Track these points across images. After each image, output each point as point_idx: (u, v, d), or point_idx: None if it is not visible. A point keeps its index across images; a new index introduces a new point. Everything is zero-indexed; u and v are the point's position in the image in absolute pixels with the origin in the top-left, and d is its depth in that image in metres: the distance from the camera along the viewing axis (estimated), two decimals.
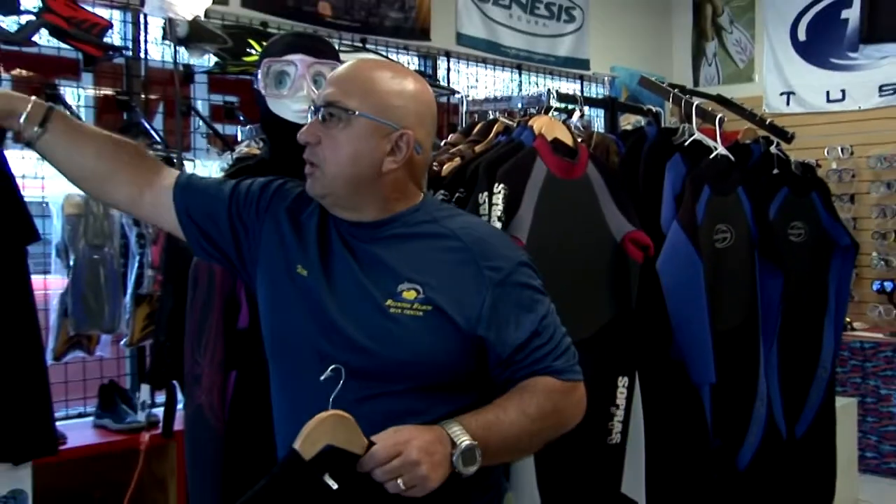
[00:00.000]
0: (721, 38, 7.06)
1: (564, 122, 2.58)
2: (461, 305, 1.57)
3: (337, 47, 2.14)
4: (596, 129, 2.96)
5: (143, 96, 3.98)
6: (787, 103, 6.58)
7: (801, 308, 3.07)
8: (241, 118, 4.14)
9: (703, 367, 2.56)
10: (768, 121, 3.42)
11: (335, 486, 1.37)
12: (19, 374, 1.67)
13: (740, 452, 2.84)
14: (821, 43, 6.47)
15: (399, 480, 1.39)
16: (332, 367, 1.48)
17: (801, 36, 6.58)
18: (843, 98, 6.38)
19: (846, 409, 4.83)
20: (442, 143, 2.88)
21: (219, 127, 4.23)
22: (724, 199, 2.73)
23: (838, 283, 3.27)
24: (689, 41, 7.19)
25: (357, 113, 1.58)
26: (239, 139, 3.83)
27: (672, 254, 2.52)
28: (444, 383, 1.57)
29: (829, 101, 6.43)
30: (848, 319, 5.23)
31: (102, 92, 3.92)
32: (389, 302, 1.56)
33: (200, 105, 4.23)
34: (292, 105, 1.94)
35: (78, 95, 3.89)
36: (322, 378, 1.48)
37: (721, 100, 3.53)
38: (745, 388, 2.81)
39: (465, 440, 1.46)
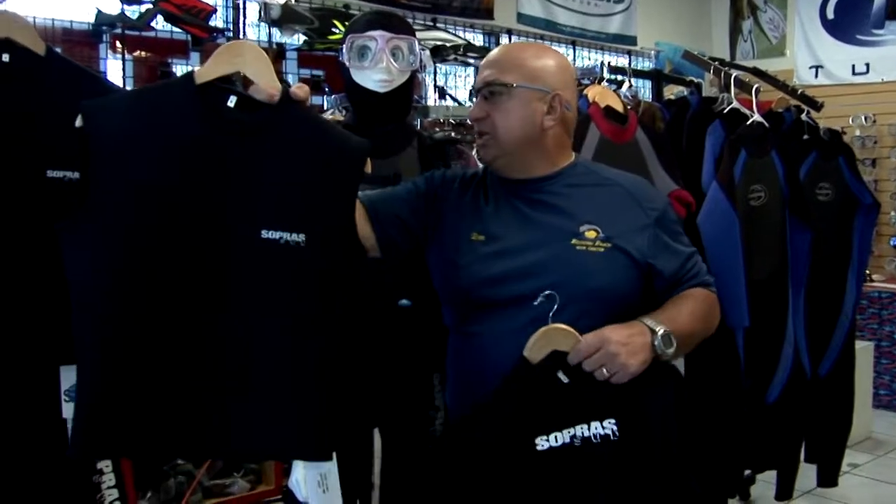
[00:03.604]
0: (756, 17, 6.91)
1: (615, 91, 2.53)
2: (633, 240, 1.65)
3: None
4: (643, 98, 2.90)
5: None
6: (816, 76, 6.45)
7: (827, 260, 2.99)
8: (327, 89, 4.15)
9: (737, 312, 2.50)
10: (799, 91, 3.32)
11: (566, 381, 1.48)
12: None
13: (769, 389, 2.80)
14: (848, 21, 6.33)
15: (603, 369, 1.47)
16: (545, 293, 1.53)
17: (830, 14, 6.43)
18: (868, 71, 6.26)
19: (864, 351, 4.74)
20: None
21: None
22: (759, 161, 2.66)
23: (860, 238, 3.17)
24: (727, 19, 7.05)
25: (515, 85, 1.65)
26: (325, 108, 3.83)
27: (711, 210, 2.47)
28: (621, 310, 1.62)
29: (854, 73, 6.31)
30: (868, 271, 5.12)
31: None
32: (574, 241, 1.63)
33: (291, 78, 4.24)
34: (373, 75, 1.93)
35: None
36: (535, 303, 1.53)
37: (756, 72, 3.42)
38: (774, 331, 2.75)
39: (661, 327, 1.54)
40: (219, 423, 1.44)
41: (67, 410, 1.61)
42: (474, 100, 1.75)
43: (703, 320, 1.70)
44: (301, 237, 1.44)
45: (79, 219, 1.36)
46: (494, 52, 1.76)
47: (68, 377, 1.60)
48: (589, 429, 1.50)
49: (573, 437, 1.49)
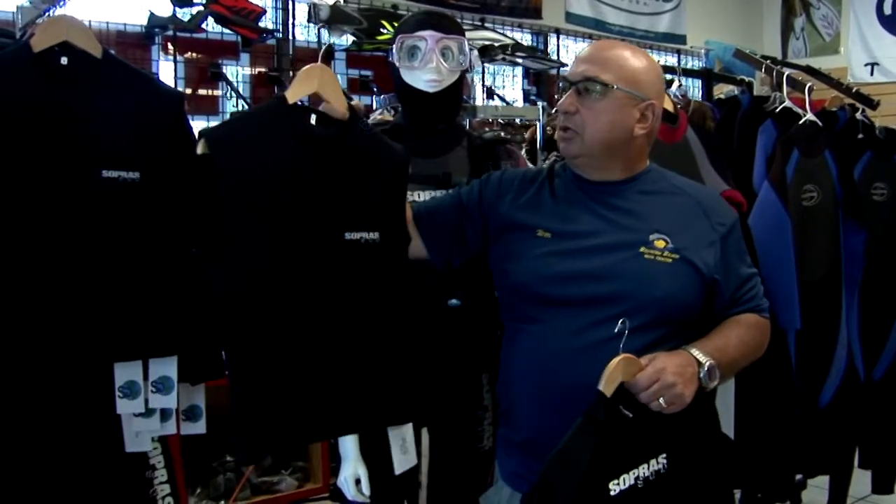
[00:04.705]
0: (809, 14, 6.80)
1: (665, 90, 2.51)
2: (701, 254, 1.62)
3: None
4: (693, 98, 2.88)
5: (290, 72, 4.05)
6: (871, 73, 6.33)
7: (882, 262, 2.94)
8: (375, 89, 4.18)
9: (789, 314, 2.47)
10: (854, 89, 3.26)
11: (630, 416, 1.46)
12: (199, 316, 1.69)
13: (822, 392, 2.76)
14: None
15: (661, 400, 1.46)
16: (621, 320, 1.50)
17: (887, 10, 6.31)
18: None
19: None
20: (554, 110, 2.83)
21: (355, 98, 4.29)
22: (811, 161, 2.62)
23: None
24: (779, 17, 6.95)
25: (615, 87, 1.61)
26: (374, 108, 3.86)
27: (763, 211, 2.44)
28: (682, 321, 1.62)
29: None
30: None
31: (257, 69, 4.01)
32: (643, 249, 1.61)
33: (339, 79, 4.27)
34: (423, 75, 1.94)
35: (236, 73, 3.99)
36: (616, 330, 1.49)
37: (810, 70, 3.37)
38: (827, 333, 2.71)
39: (707, 360, 1.53)
40: (344, 402, 1.63)
41: (122, 406, 1.64)
42: (561, 90, 1.69)
43: (752, 349, 1.69)
44: (376, 235, 1.64)
45: (218, 244, 1.51)
46: (594, 45, 1.72)
47: (122, 374, 1.63)
48: (648, 468, 1.48)
49: (637, 478, 1.47)
